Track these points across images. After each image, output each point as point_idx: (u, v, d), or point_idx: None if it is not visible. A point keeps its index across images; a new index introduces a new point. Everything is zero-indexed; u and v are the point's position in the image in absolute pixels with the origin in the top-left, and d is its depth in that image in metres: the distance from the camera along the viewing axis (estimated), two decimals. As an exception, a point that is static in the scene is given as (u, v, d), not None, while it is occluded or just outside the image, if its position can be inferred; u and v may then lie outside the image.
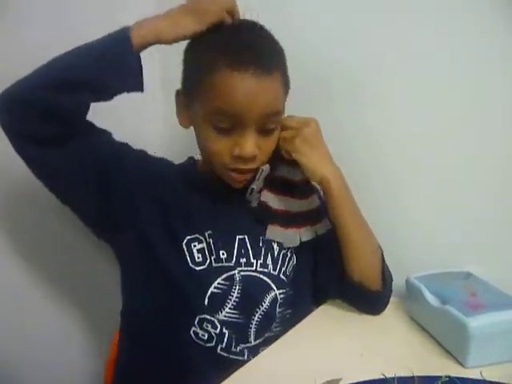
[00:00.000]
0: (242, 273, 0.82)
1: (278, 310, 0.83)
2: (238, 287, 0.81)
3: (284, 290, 0.84)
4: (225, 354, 0.79)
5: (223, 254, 0.82)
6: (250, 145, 0.77)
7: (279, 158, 0.84)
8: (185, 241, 0.81)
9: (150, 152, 0.90)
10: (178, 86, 0.83)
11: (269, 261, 0.84)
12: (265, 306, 0.82)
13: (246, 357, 0.79)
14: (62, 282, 1.06)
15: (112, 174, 0.81)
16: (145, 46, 0.74)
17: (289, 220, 0.86)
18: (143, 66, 0.74)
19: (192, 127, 0.83)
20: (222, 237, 0.82)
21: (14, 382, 1.01)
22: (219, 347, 0.79)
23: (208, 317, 0.79)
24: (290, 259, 0.87)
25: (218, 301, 0.80)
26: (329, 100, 0.99)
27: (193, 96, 0.79)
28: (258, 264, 0.83)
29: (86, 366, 1.12)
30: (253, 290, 0.82)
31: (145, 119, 1.07)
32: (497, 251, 0.89)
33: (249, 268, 0.82)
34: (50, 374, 1.05)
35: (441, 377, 0.66)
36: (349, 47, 0.96)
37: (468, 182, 0.90)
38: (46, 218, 0.99)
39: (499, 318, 0.71)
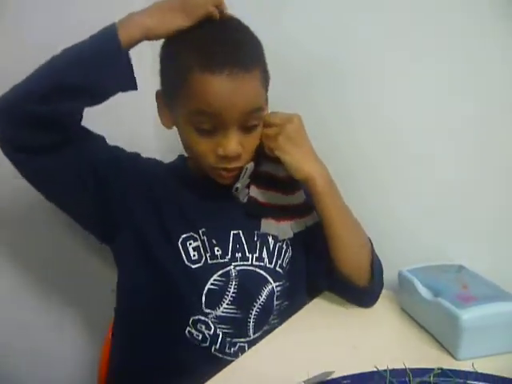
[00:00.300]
0: (237, 268, 0.82)
1: (275, 302, 0.83)
2: (234, 282, 0.81)
3: (281, 283, 0.84)
4: (219, 355, 0.79)
5: (218, 250, 0.82)
6: (233, 144, 0.76)
7: (263, 155, 0.83)
8: (180, 239, 0.81)
9: (145, 153, 0.89)
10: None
11: (264, 254, 0.84)
12: (262, 299, 0.82)
13: (240, 356, 0.79)
14: (57, 281, 1.05)
15: (110, 179, 0.80)
16: (133, 44, 0.73)
17: (280, 213, 0.86)
18: (140, 66, 0.74)
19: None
20: (216, 233, 0.82)
21: (13, 381, 1.01)
22: (213, 348, 0.79)
23: (202, 318, 0.79)
24: (285, 251, 0.87)
25: (216, 297, 0.80)
26: (313, 96, 0.99)
27: (172, 98, 0.78)
28: (254, 258, 0.83)
29: (80, 363, 1.11)
30: (249, 284, 0.82)
31: (140, 119, 1.07)
32: (490, 243, 0.89)
33: (244, 262, 0.83)
34: (45, 372, 1.05)
35: (433, 369, 0.66)
36: (334, 43, 0.96)
37: (456, 174, 0.90)
38: (39, 218, 0.98)
39: (491, 310, 0.72)
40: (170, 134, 0.84)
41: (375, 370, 0.67)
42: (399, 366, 0.67)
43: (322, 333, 0.79)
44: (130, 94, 0.75)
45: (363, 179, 0.98)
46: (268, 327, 0.83)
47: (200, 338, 0.79)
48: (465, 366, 0.69)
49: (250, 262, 0.83)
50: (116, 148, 0.85)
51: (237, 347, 0.80)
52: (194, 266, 0.80)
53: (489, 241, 0.89)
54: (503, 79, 0.84)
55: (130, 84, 0.74)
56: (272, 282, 0.83)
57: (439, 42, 0.88)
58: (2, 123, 0.73)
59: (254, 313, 0.81)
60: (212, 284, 0.80)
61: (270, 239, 0.86)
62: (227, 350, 0.79)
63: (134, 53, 0.74)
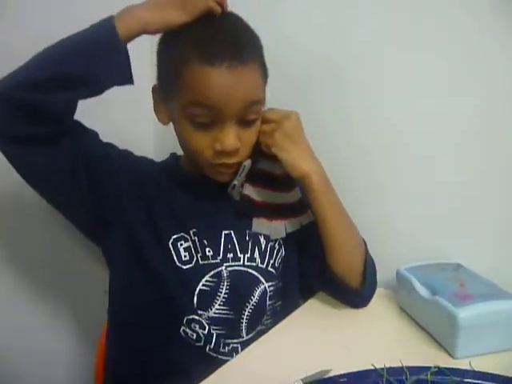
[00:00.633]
0: (229, 268, 0.81)
1: (268, 302, 0.83)
2: (226, 283, 0.80)
3: (273, 283, 0.84)
4: (214, 354, 0.79)
5: (209, 251, 0.81)
6: (231, 138, 0.75)
7: (259, 151, 0.83)
8: (171, 240, 0.81)
9: (138, 151, 0.89)
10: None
11: (256, 254, 0.84)
12: (254, 299, 0.82)
13: (235, 357, 0.78)
14: (52, 282, 1.06)
15: (104, 177, 0.80)
16: (131, 37, 0.72)
17: (273, 212, 0.86)
18: (137, 60, 0.73)
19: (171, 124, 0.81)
20: (207, 234, 0.82)
21: (13, 380, 1.01)
22: (208, 347, 0.79)
23: (196, 317, 0.79)
24: (278, 251, 0.87)
25: (207, 298, 0.79)
26: (311, 96, 0.98)
27: (169, 91, 0.77)
28: (246, 258, 0.83)
29: (78, 362, 1.11)
30: (241, 285, 0.81)
31: (136, 115, 1.07)
32: (489, 244, 0.89)
33: (236, 263, 0.82)
34: (45, 371, 1.06)
35: (430, 367, 0.66)
36: (333, 42, 0.95)
37: (452, 172, 0.90)
38: (34, 216, 0.98)
39: (487, 308, 0.72)
40: (169, 134, 0.83)
41: (372, 368, 0.67)
42: (396, 364, 0.67)
43: (319, 332, 0.79)
44: (130, 93, 0.75)
45: (362, 180, 0.98)
46: (262, 327, 0.83)
47: (194, 337, 0.78)
48: (462, 364, 0.68)
49: (241, 263, 0.82)
50: (109, 145, 0.84)
51: (230, 348, 0.80)
52: (185, 267, 0.80)
53: (488, 242, 0.89)
54: (503, 78, 0.84)
55: (126, 78, 0.73)
56: (264, 282, 0.83)
57: (439, 41, 0.88)
58: None
59: (246, 313, 0.81)
60: (203, 285, 0.79)
61: (262, 239, 0.85)
62: (222, 350, 0.79)
63: (132, 48, 0.73)
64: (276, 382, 0.64)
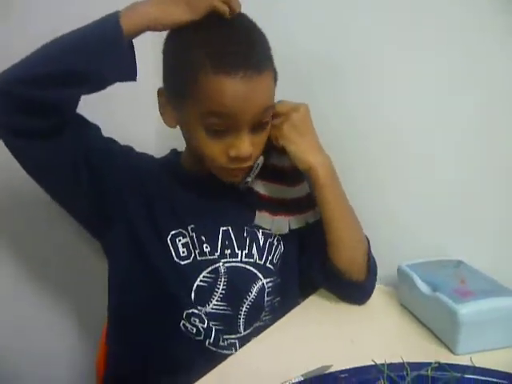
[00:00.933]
0: (226, 264, 0.81)
1: (266, 298, 0.83)
2: (223, 279, 0.80)
3: (271, 279, 0.84)
4: (213, 349, 0.79)
5: (207, 247, 0.81)
6: (247, 145, 0.74)
7: (268, 145, 0.82)
8: (169, 236, 0.81)
9: (140, 148, 0.89)
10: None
11: (254, 250, 0.83)
12: (252, 295, 0.82)
13: (235, 351, 0.79)
14: (52, 281, 1.06)
15: (104, 172, 0.79)
16: (135, 34, 0.71)
17: (277, 207, 0.85)
18: (139, 56, 0.72)
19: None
20: (205, 230, 0.82)
21: (13, 380, 1.02)
22: (207, 341, 0.79)
23: (196, 311, 0.79)
24: (276, 247, 0.86)
25: (205, 294, 0.80)
26: (312, 94, 0.96)
27: (179, 96, 0.76)
28: (243, 254, 0.83)
29: (79, 360, 1.12)
30: (238, 281, 0.81)
31: (138, 111, 1.07)
32: (490, 242, 0.89)
33: (234, 259, 0.82)
34: (45, 371, 1.06)
35: (430, 363, 0.66)
36: (333, 40, 0.95)
37: (452, 170, 0.90)
38: (35, 215, 0.99)
39: (488, 304, 0.72)
40: (170, 130, 0.83)
41: (373, 363, 0.67)
42: (397, 360, 0.66)
43: (320, 328, 0.79)
44: (132, 89, 0.75)
45: (363, 178, 0.97)
46: (260, 324, 0.82)
47: (194, 331, 0.78)
48: (463, 360, 0.68)
49: (239, 259, 0.82)
50: (110, 140, 0.84)
51: (229, 342, 0.80)
52: (183, 263, 0.80)
53: (488, 240, 0.89)
54: (503, 77, 0.84)
55: (129, 74, 0.72)
56: (262, 278, 0.83)
57: (439, 40, 0.87)
58: None
59: (244, 309, 0.81)
60: (201, 281, 0.79)
61: (260, 235, 0.85)
62: (221, 344, 0.79)
63: (134, 43, 0.73)
64: (277, 377, 0.64)
